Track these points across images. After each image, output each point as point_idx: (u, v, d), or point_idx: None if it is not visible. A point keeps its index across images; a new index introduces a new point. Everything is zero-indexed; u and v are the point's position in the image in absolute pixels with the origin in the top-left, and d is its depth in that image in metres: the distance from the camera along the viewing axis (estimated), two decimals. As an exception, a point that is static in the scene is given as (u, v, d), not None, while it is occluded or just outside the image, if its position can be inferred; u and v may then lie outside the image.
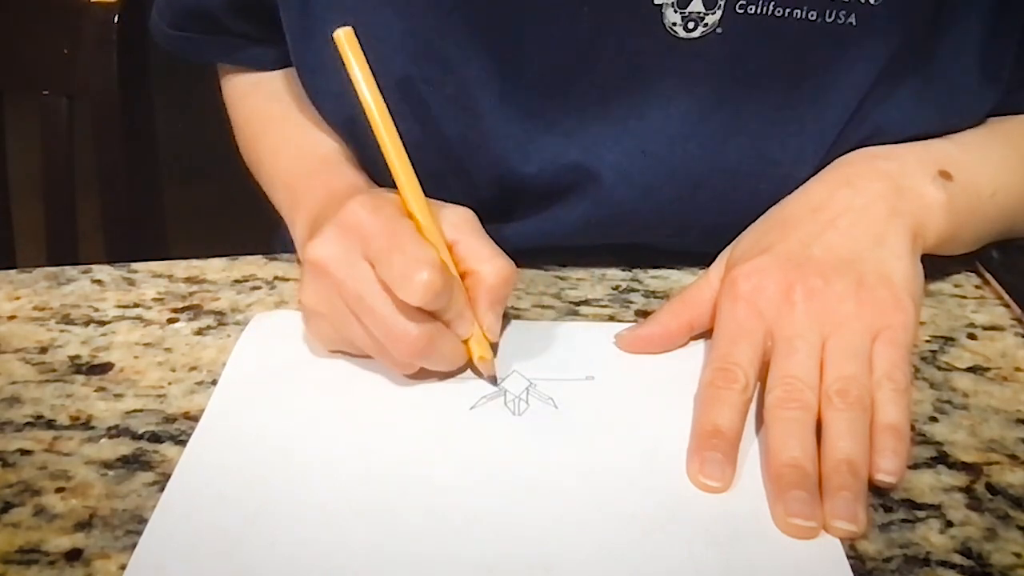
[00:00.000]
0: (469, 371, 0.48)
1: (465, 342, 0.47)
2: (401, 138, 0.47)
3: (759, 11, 0.49)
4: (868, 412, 0.43)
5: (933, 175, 0.52)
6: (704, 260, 0.54)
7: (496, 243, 0.49)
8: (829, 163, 0.54)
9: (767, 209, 0.54)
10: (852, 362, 0.45)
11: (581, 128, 0.53)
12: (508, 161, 0.54)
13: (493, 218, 0.58)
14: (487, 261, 0.47)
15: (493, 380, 0.48)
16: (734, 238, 0.53)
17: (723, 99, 0.52)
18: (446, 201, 0.49)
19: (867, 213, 0.50)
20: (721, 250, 0.53)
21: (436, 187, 0.56)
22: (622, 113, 0.53)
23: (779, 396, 0.44)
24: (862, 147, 0.54)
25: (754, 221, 0.54)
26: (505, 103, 0.53)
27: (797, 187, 0.54)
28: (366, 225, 0.45)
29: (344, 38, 0.47)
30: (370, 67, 0.47)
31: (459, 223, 0.48)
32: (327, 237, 0.46)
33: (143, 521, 0.39)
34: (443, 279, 0.43)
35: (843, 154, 0.54)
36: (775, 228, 0.52)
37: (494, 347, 0.49)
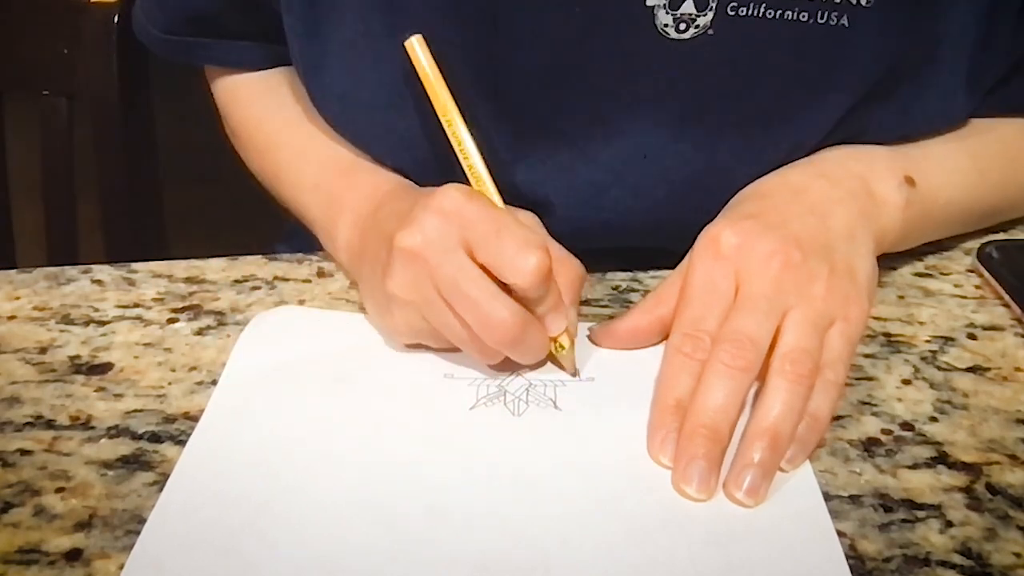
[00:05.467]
0: (468, 371, 0.48)
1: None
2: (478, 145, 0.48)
3: (751, 13, 0.49)
4: (810, 392, 0.44)
5: (899, 180, 0.53)
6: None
7: None
8: None
9: None
10: (814, 337, 0.45)
11: (573, 129, 0.53)
12: (499, 162, 0.54)
13: None
14: (559, 261, 0.47)
15: (575, 373, 0.48)
16: None
17: (715, 99, 0.52)
18: None
19: (842, 207, 0.51)
20: None
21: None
22: (614, 114, 0.53)
23: (727, 351, 0.44)
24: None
25: None
26: (497, 104, 0.53)
27: None
28: (467, 211, 0.45)
29: (417, 45, 0.47)
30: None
31: (531, 226, 0.49)
32: (421, 224, 0.45)
33: (143, 521, 0.39)
34: (549, 264, 0.44)
35: None
36: (754, 200, 0.52)
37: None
